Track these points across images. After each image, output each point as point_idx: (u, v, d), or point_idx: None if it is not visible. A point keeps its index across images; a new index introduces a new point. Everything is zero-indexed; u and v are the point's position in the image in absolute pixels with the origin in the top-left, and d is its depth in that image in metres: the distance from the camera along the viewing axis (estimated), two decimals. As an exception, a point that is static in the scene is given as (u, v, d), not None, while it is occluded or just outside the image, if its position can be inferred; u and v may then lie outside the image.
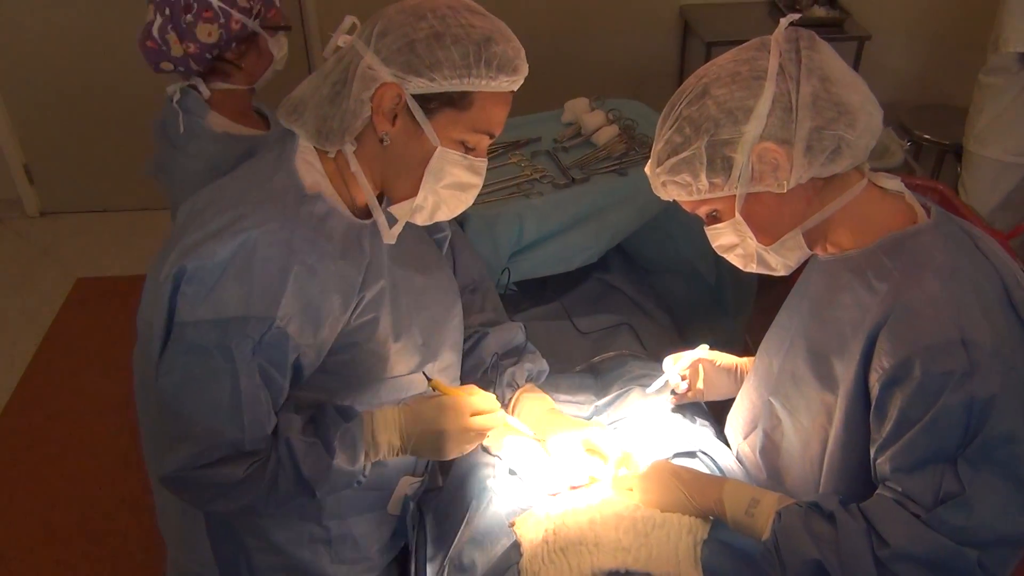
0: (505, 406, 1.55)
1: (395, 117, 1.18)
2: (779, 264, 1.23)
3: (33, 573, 2.38)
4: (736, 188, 1.14)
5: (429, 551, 1.48)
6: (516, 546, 1.33)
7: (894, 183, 1.19)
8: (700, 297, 2.30)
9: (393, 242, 1.29)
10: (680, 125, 1.14)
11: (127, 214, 3.97)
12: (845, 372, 1.14)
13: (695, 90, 1.14)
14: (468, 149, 1.22)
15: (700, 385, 1.57)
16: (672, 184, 1.18)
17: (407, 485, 1.47)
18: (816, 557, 1.12)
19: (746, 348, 2.30)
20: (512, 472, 1.49)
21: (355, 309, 1.25)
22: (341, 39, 1.19)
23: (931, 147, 3.32)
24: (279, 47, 1.83)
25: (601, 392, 1.74)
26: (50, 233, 3.89)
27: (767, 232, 1.18)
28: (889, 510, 1.09)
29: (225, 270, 1.13)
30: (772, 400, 1.31)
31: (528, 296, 2.06)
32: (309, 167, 1.23)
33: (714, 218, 1.21)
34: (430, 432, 1.31)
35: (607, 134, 2.20)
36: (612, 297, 2.12)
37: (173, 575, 1.55)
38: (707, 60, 3.74)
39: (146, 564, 2.33)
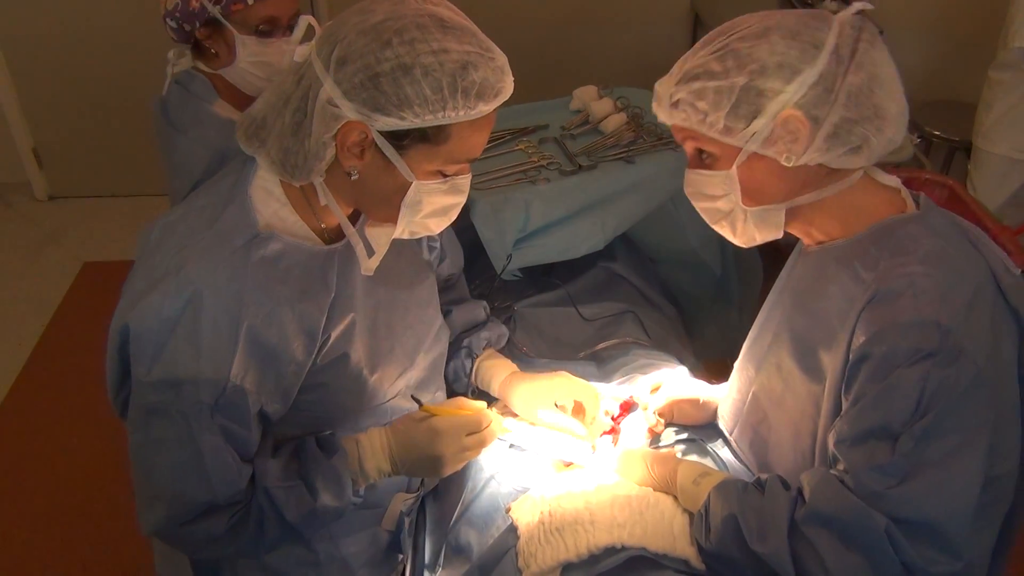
0: (467, 375, 1.57)
1: (362, 151, 1.07)
2: (743, 235, 1.19)
3: (34, 555, 2.38)
4: (746, 142, 1.10)
5: (428, 531, 1.49)
6: (512, 529, 1.33)
7: (891, 179, 1.18)
8: (705, 288, 2.29)
9: (371, 274, 1.20)
10: (724, 55, 1.08)
11: (135, 199, 3.97)
12: (832, 362, 1.13)
13: (754, 28, 1.09)
14: (447, 175, 1.13)
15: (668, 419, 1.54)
16: (686, 105, 1.11)
17: (401, 502, 1.45)
18: (733, 512, 1.13)
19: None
20: (513, 446, 1.50)
21: (320, 350, 1.19)
22: (297, 52, 1.08)
23: (941, 143, 3.30)
24: (247, 51, 1.69)
25: (604, 380, 1.74)
26: (58, 217, 3.90)
27: (754, 195, 1.14)
28: (823, 475, 1.09)
29: (174, 329, 1.07)
30: (758, 394, 1.31)
31: (533, 283, 2.06)
32: (266, 196, 1.15)
33: (702, 161, 1.16)
34: (426, 458, 1.28)
35: (615, 122, 2.20)
36: (617, 286, 2.11)
37: None
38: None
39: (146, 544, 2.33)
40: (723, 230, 1.21)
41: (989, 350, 1.05)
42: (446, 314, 1.58)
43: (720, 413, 1.47)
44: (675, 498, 1.31)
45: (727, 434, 1.43)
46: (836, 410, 1.13)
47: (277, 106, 1.11)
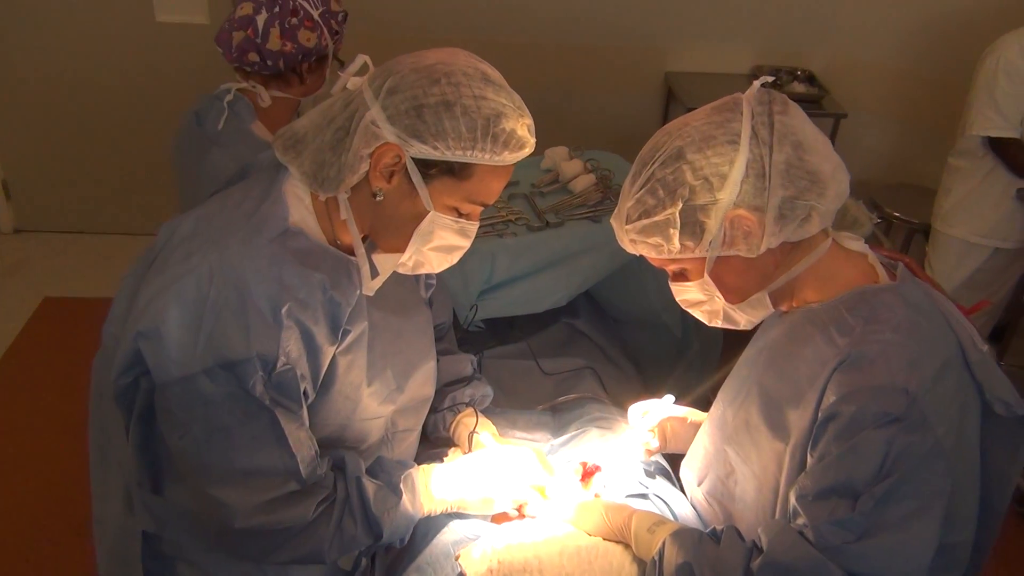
0: (446, 429, 1.60)
1: (392, 175, 1.15)
2: (744, 320, 1.24)
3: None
4: (707, 251, 1.15)
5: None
6: (461, 577, 1.31)
7: (857, 244, 1.22)
8: (666, 349, 2.31)
9: (371, 294, 1.27)
10: (653, 187, 1.14)
11: (102, 237, 3.94)
12: (798, 421, 1.15)
13: (668, 151, 1.13)
14: (461, 214, 1.21)
15: (668, 443, 1.56)
16: (640, 244, 1.19)
17: None
18: (688, 560, 1.14)
19: (710, 404, 2.31)
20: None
21: (341, 341, 1.23)
22: (350, 82, 1.16)
23: (901, 225, 3.39)
24: (329, 80, 1.97)
25: (558, 431, 1.74)
26: (22, 250, 3.86)
27: (735, 292, 1.20)
28: (781, 526, 1.10)
29: (219, 313, 1.10)
30: (727, 448, 1.31)
31: (495, 335, 2.07)
32: (298, 201, 1.21)
33: (681, 275, 1.22)
34: (482, 483, 1.37)
35: (584, 182, 2.24)
36: (578, 342, 2.13)
37: None
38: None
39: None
40: (725, 324, 1.26)
41: (951, 423, 1.08)
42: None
43: (689, 463, 1.47)
44: (625, 548, 1.31)
45: (695, 484, 1.43)
46: (799, 467, 1.14)
47: (320, 124, 1.18)
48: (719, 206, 1.11)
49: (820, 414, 1.10)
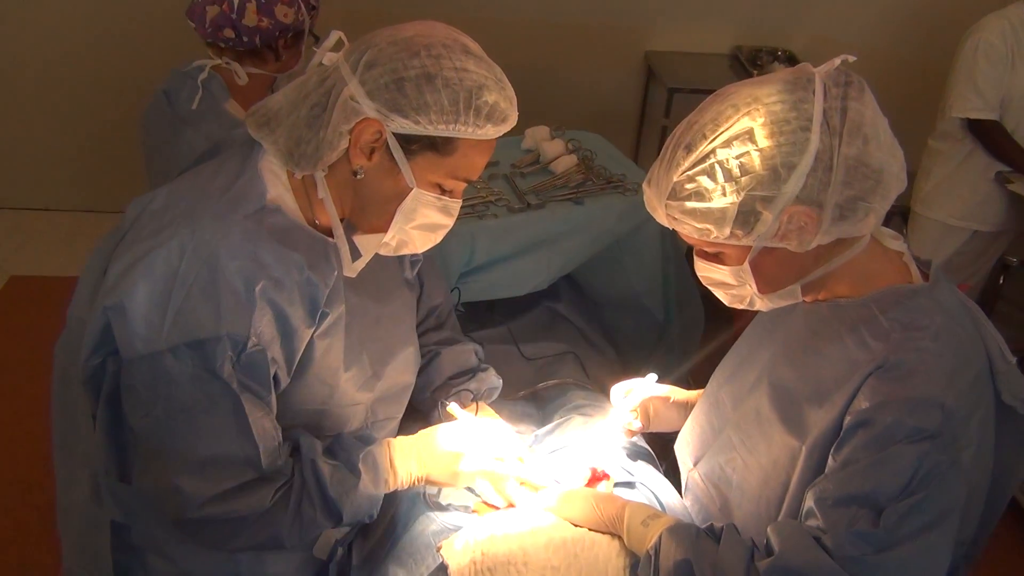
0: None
1: (372, 152, 1.12)
2: (767, 307, 1.19)
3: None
4: (755, 241, 1.07)
5: (354, 568, 1.43)
6: (443, 568, 1.28)
7: (898, 243, 1.17)
8: (647, 333, 2.30)
9: (354, 275, 1.24)
10: (713, 168, 1.03)
11: (68, 214, 3.88)
12: (819, 421, 1.11)
13: (736, 130, 1.03)
14: (444, 191, 1.18)
15: (651, 422, 1.54)
16: (684, 223, 1.09)
17: (336, 529, 1.39)
18: (688, 557, 1.10)
19: (687, 388, 2.31)
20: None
21: (318, 325, 1.20)
22: (326, 57, 1.13)
23: (879, 207, 3.39)
24: (305, 56, 1.96)
25: (542, 421, 1.72)
26: (-14, 228, 3.79)
27: (770, 283, 1.14)
28: (795, 528, 1.07)
29: (189, 289, 1.07)
30: (731, 434, 1.29)
31: (475, 319, 2.04)
32: (274, 178, 1.18)
33: (715, 257, 1.15)
34: (445, 454, 1.33)
35: (566, 163, 2.21)
36: (559, 326, 2.11)
37: None
38: (669, 106, 3.84)
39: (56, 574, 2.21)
40: (740, 306, 1.20)
41: (975, 435, 1.06)
42: (434, 355, 1.57)
43: (684, 440, 1.45)
44: (611, 539, 1.28)
45: (690, 463, 1.41)
46: (816, 468, 1.11)
47: (295, 101, 1.15)
48: (780, 199, 1.03)
49: (849, 417, 1.06)
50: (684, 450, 1.44)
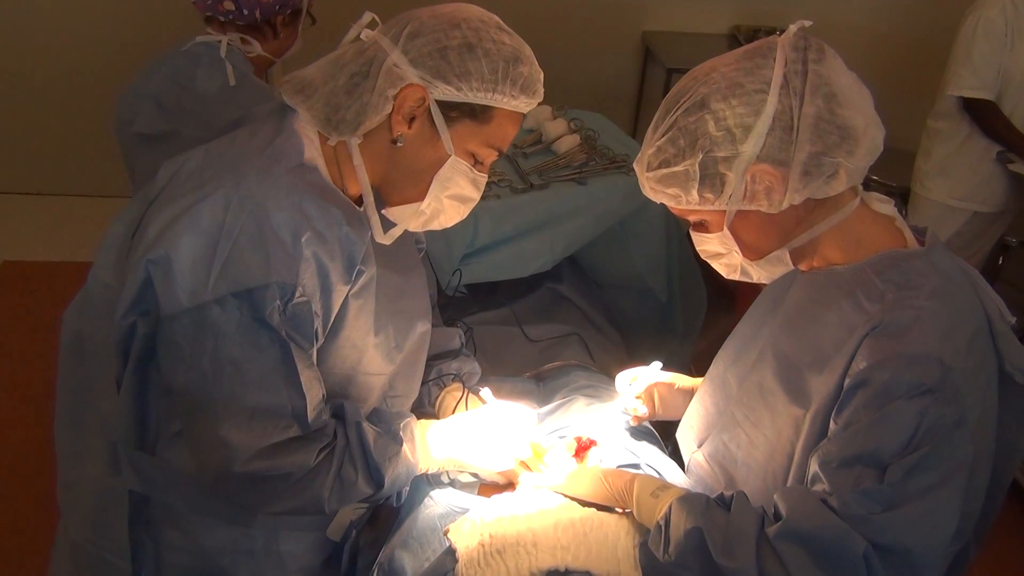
0: (431, 403, 1.57)
1: (412, 120, 1.16)
2: (760, 276, 1.21)
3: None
4: (726, 205, 1.11)
5: (360, 556, 1.43)
6: (450, 552, 1.28)
7: (887, 207, 1.17)
8: (650, 315, 2.29)
9: (389, 242, 1.26)
10: (674, 135, 1.10)
11: (62, 199, 3.86)
12: (821, 387, 1.11)
13: (693, 99, 1.09)
14: (476, 162, 1.21)
15: (656, 408, 1.54)
16: (659, 192, 1.16)
17: (351, 510, 1.40)
18: (698, 525, 1.10)
19: (690, 373, 2.31)
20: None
21: (353, 284, 1.21)
22: (363, 33, 1.17)
23: (879, 188, 3.38)
24: (300, 37, 1.98)
25: (544, 400, 1.71)
26: (-22, 213, 3.76)
27: (753, 248, 1.16)
28: (802, 493, 1.07)
29: (236, 240, 1.08)
30: (735, 411, 1.28)
31: (478, 300, 2.03)
32: (309, 141, 1.19)
33: (701, 226, 1.19)
34: (479, 438, 1.36)
35: (568, 143, 2.19)
36: (563, 308, 2.10)
37: (66, 564, 1.42)
38: (667, 86, 3.83)
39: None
40: (742, 278, 1.22)
41: (978, 394, 1.06)
42: None
43: (686, 425, 1.44)
44: (619, 519, 1.28)
45: (695, 446, 1.40)
46: (820, 434, 1.11)
47: (331, 72, 1.18)
48: (741, 159, 1.07)
49: (848, 379, 1.07)
50: (687, 434, 1.44)
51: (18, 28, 3.52)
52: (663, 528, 1.15)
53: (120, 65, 2.96)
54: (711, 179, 1.09)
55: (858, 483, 1.02)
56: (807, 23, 1.10)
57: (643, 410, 1.52)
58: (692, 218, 1.18)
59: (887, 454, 1.01)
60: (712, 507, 1.14)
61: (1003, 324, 1.12)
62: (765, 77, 1.06)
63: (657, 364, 1.56)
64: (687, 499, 1.17)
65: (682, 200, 1.13)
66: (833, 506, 1.02)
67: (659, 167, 1.13)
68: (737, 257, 1.18)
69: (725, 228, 1.15)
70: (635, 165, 1.19)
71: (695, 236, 1.21)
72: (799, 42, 1.08)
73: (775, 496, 1.10)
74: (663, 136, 1.12)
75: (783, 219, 1.12)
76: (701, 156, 1.08)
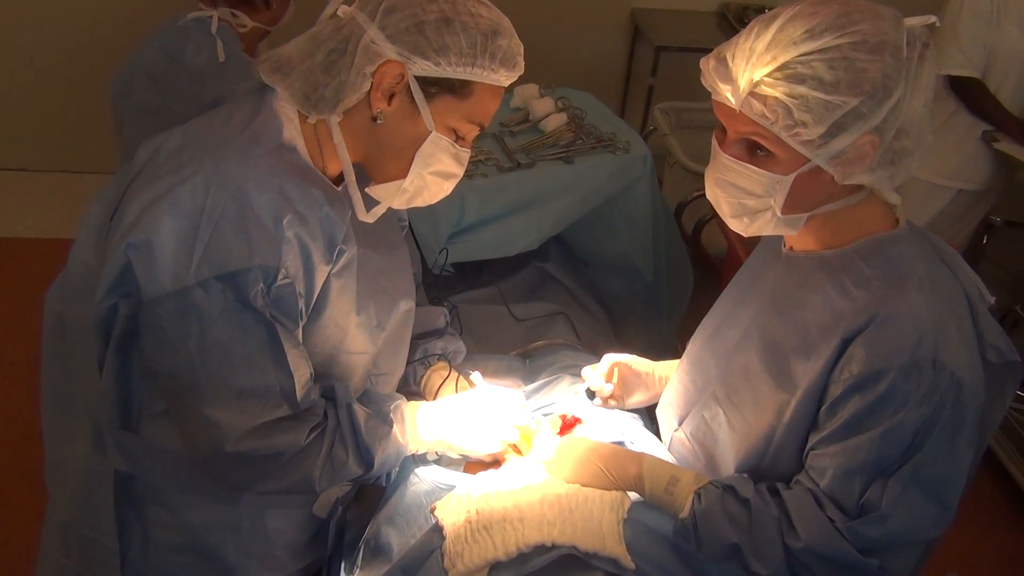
0: (416, 383, 1.57)
1: (392, 96, 1.15)
2: (755, 231, 1.15)
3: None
4: (817, 153, 1.02)
5: (347, 532, 1.44)
6: (437, 529, 1.29)
7: (895, 197, 1.14)
8: (636, 294, 2.30)
9: (372, 220, 1.25)
10: (838, 63, 0.98)
11: (47, 175, 3.81)
12: (807, 373, 1.13)
13: (872, 37, 0.98)
14: (458, 138, 1.21)
15: (616, 389, 1.55)
16: (777, 106, 1.00)
17: (338, 487, 1.40)
18: (734, 541, 1.15)
19: (676, 353, 2.33)
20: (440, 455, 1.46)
21: (334, 263, 1.20)
22: (340, 9, 1.16)
23: (865, 167, 3.39)
24: (292, 4, 2.00)
25: (530, 377, 1.72)
26: (-37, 189, 3.71)
27: (795, 205, 1.09)
28: (807, 507, 1.12)
29: (217, 223, 1.07)
30: (716, 390, 1.30)
31: (464, 279, 2.03)
32: (288, 122, 1.18)
33: (752, 157, 1.07)
34: (469, 419, 1.37)
35: (555, 121, 2.19)
36: (549, 286, 2.10)
37: (56, 543, 1.42)
38: (656, 65, 3.80)
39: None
40: (735, 224, 1.15)
41: (975, 383, 1.08)
42: None
43: (667, 401, 1.45)
44: (603, 494, 1.29)
45: (675, 424, 1.42)
46: (804, 419, 1.14)
47: (308, 50, 1.17)
48: (868, 122, 0.99)
49: (845, 380, 1.08)
50: (667, 412, 1.45)
51: (14, 5, 3.48)
52: (693, 531, 1.19)
53: (107, 41, 2.94)
54: (840, 126, 1.00)
55: (862, 492, 1.08)
56: (933, 19, 1.03)
57: (608, 388, 1.53)
58: (767, 145, 1.04)
59: (891, 463, 1.06)
60: (731, 505, 1.18)
61: (982, 303, 1.14)
62: (903, 54, 1.00)
63: (633, 357, 1.57)
64: (709, 508, 1.19)
65: (792, 129, 1.01)
66: (842, 531, 1.09)
67: (804, 82, 0.99)
68: (764, 204, 1.09)
69: (792, 175, 1.05)
70: (731, 56, 1.04)
71: (731, 162, 1.09)
72: (925, 35, 1.03)
73: (784, 496, 1.16)
74: (822, 55, 0.99)
75: (829, 189, 1.08)
76: (858, 102, 0.98)
